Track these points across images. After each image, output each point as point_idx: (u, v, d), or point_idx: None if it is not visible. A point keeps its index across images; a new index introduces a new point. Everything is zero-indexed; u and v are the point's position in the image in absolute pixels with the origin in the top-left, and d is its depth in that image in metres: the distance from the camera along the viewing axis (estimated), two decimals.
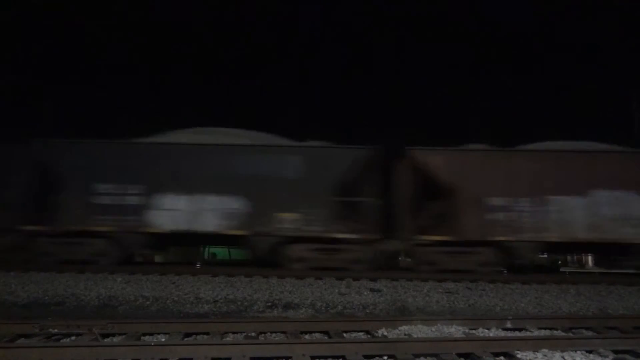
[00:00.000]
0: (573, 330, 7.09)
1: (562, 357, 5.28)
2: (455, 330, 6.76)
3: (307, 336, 6.38)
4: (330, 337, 6.31)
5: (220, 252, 46.21)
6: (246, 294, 10.95)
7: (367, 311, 9.79)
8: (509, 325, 7.17)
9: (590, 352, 5.51)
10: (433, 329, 6.76)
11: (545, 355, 5.31)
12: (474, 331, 6.83)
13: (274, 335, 6.40)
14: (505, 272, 19.27)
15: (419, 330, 6.67)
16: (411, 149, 13.00)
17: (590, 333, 6.94)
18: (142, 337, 6.09)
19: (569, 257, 43.01)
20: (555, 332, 7.01)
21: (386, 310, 9.92)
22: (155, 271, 13.80)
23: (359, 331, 6.77)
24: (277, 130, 15.24)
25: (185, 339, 6.09)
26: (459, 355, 5.30)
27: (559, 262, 38.44)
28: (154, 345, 5.23)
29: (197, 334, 6.33)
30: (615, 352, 5.55)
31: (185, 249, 23.17)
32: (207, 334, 6.31)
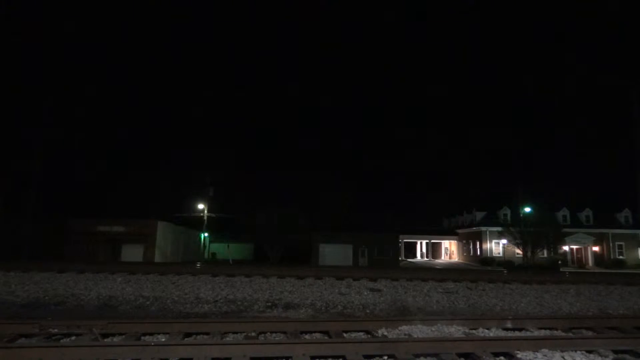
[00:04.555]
0: (573, 330, 7.08)
1: (562, 357, 5.28)
2: (455, 330, 6.75)
3: (307, 336, 6.38)
4: (330, 337, 6.30)
5: (221, 251, 46.31)
6: (246, 294, 10.94)
7: (367, 311, 9.78)
8: (509, 325, 7.17)
9: (590, 352, 5.51)
10: (433, 329, 6.75)
11: (545, 355, 5.31)
12: (474, 331, 6.83)
13: (274, 335, 6.40)
14: (506, 272, 19.28)
15: (419, 330, 6.67)
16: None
17: (590, 333, 6.94)
18: (142, 337, 6.09)
19: (568, 257, 43.27)
20: (555, 332, 7.00)
21: (386, 310, 9.91)
22: (155, 271, 13.81)
23: (359, 331, 6.76)
24: None
25: (185, 339, 6.09)
26: (459, 355, 5.29)
27: (559, 262, 38.59)
28: (154, 345, 5.23)
29: (197, 334, 6.33)
30: (615, 352, 5.55)
31: None
32: (207, 334, 6.31)
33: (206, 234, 42.68)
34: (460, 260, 50.83)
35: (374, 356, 5.22)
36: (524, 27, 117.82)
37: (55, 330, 6.22)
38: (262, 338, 6.24)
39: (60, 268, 13.78)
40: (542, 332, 6.95)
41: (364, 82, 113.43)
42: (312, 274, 13.88)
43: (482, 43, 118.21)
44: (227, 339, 6.19)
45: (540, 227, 36.96)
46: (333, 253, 38.44)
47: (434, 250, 54.56)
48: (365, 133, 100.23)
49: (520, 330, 7.04)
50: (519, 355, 5.29)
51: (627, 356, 5.46)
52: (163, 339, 6.00)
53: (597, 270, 35.70)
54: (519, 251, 38.73)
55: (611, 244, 44.24)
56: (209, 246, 45.38)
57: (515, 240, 38.37)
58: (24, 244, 29.50)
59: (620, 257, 43.77)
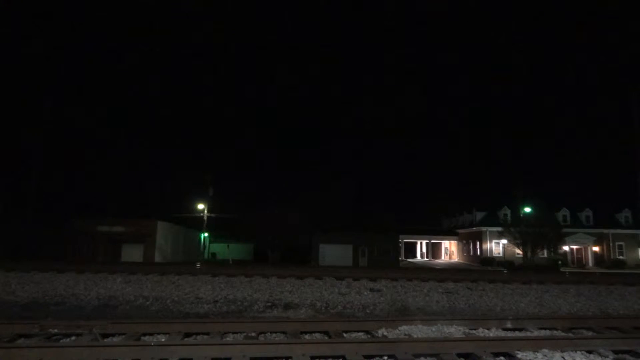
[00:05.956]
0: (573, 330, 7.08)
1: (562, 357, 5.28)
2: (455, 330, 6.75)
3: (307, 336, 6.37)
4: (330, 337, 6.30)
5: (221, 251, 46.27)
6: (246, 294, 10.94)
7: (367, 311, 9.78)
8: (509, 325, 7.16)
9: (590, 352, 5.51)
10: (433, 329, 6.75)
11: (545, 355, 5.31)
12: (474, 331, 6.83)
13: (274, 335, 6.40)
14: (506, 272, 19.29)
15: (419, 330, 6.67)
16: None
17: (590, 333, 6.94)
18: (142, 337, 6.09)
19: (568, 257, 43.27)
20: (555, 332, 7.00)
21: (386, 310, 9.91)
22: (155, 271, 13.81)
23: (358, 331, 6.76)
24: None
25: (185, 339, 6.08)
26: (459, 355, 5.29)
27: (559, 262, 38.58)
28: (154, 345, 5.22)
29: (197, 334, 6.32)
30: (615, 352, 5.55)
31: None
32: (207, 334, 6.30)
33: (206, 234, 42.67)
34: (460, 261, 50.81)
35: (373, 356, 5.21)
36: (523, 25, 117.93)
37: (55, 330, 6.21)
38: (262, 338, 6.23)
39: (60, 268, 13.78)
40: (542, 332, 6.94)
41: (363, 80, 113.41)
42: (312, 274, 13.88)
43: (478, 41, 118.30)
44: (227, 339, 6.19)
45: (540, 227, 36.96)
46: (333, 253, 38.44)
47: (434, 250, 54.54)
48: (365, 133, 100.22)
49: (520, 330, 7.04)
50: (519, 356, 5.29)
51: (627, 356, 5.46)
52: (163, 339, 5.99)
53: (597, 270, 35.67)
54: (519, 251, 38.72)
55: (611, 244, 44.23)
56: (209, 246, 45.36)
57: (515, 240, 38.37)
58: (24, 244, 29.49)
59: (620, 257, 43.75)
